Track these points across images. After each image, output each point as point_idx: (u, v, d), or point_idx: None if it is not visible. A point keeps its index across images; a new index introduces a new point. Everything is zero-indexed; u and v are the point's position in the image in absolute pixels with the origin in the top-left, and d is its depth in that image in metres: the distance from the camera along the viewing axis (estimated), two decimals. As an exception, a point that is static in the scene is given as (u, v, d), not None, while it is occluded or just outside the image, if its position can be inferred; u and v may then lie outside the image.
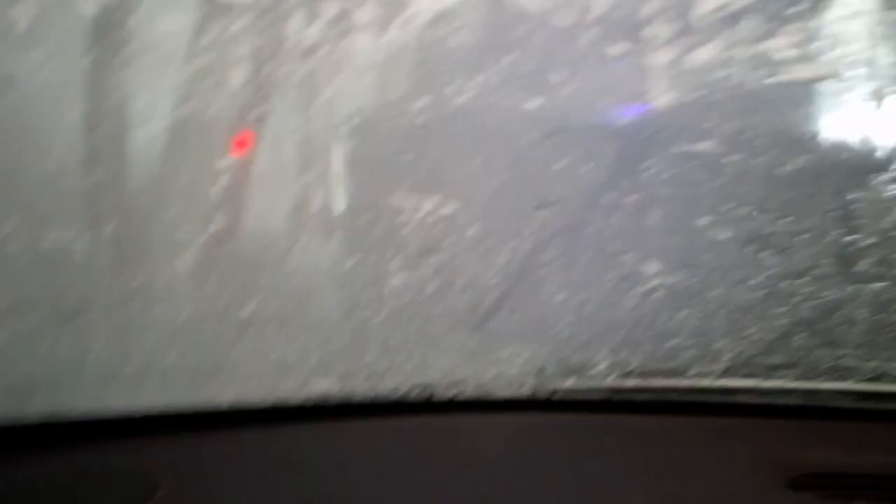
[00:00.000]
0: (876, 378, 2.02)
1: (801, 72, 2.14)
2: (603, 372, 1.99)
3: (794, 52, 2.11)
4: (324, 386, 1.88)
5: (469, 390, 1.93)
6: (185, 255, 1.89)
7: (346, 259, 1.95)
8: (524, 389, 1.95)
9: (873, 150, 2.14)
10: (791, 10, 2.11)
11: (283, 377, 1.88)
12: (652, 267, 2.04)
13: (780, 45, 2.12)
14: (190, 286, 1.90)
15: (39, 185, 1.87)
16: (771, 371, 2.02)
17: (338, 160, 1.99)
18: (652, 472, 1.77)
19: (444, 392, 1.92)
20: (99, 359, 1.83)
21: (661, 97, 2.08)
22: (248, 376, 1.88)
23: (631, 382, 2.00)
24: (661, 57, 2.07)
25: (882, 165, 2.11)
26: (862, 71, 2.14)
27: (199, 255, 1.90)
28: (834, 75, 2.17)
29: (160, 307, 1.88)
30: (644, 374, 2.00)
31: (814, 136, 2.15)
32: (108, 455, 1.72)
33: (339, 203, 1.98)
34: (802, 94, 2.14)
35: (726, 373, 2.01)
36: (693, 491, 1.74)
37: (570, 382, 1.98)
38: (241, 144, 2.01)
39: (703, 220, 2.06)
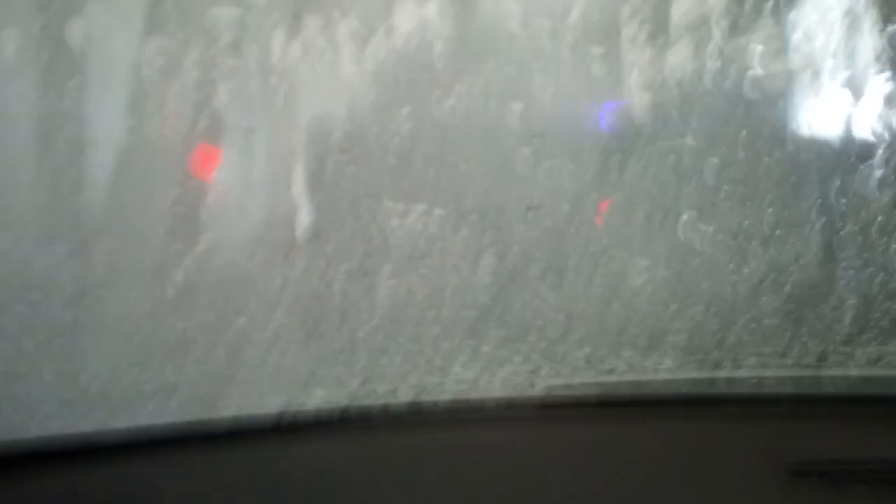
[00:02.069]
0: (871, 363, 2.04)
1: (776, 65, 2.17)
2: (595, 371, 2.01)
3: (767, 47, 2.14)
4: (318, 396, 1.90)
5: (462, 394, 1.95)
6: (172, 273, 1.91)
7: (336, 268, 1.97)
8: (517, 392, 1.97)
9: (853, 139, 2.17)
10: (763, 6, 2.15)
11: (277, 390, 1.90)
12: (640, 263, 2.06)
13: (754, 40, 2.16)
14: (180, 303, 1.91)
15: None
16: (764, 361, 2.04)
17: (323, 171, 2.01)
18: (652, 467, 1.79)
19: (437, 397, 1.94)
20: (95, 379, 1.85)
21: (640, 97, 2.10)
22: (243, 391, 1.90)
23: (624, 380, 2.03)
24: (638, 57, 2.09)
25: (864, 154, 2.15)
26: (838, 61, 2.17)
27: (188, 272, 1.91)
28: (809, 68, 2.20)
29: (152, 327, 1.90)
30: (637, 370, 2.02)
31: (794, 127, 2.17)
32: (113, 470, 1.74)
33: (326, 214, 1.99)
34: (780, 87, 2.17)
35: (719, 365, 2.03)
36: (695, 482, 1.76)
37: (563, 383, 2.00)
38: (207, 161, 2.04)
39: (688, 215, 2.09)
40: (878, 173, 2.13)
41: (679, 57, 2.09)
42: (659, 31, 2.10)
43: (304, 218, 1.96)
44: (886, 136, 2.15)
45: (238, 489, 1.76)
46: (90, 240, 1.92)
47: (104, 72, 1.94)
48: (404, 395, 1.92)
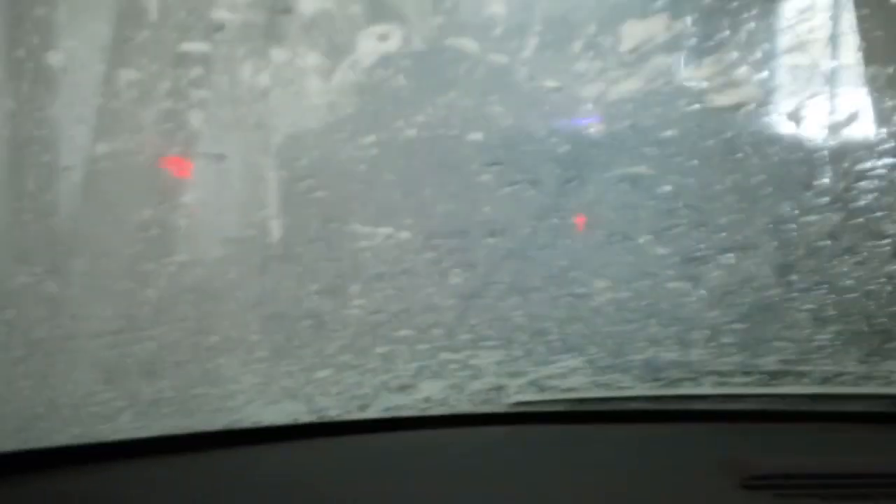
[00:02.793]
0: (823, 381, 2.10)
1: (722, 99, 2.27)
2: (561, 385, 2.06)
3: (713, 82, 2.25)
4: (291, 409, 1.93)
5: (432, 408, 1.98)
6: (145, 292, 1.94)
7: (306, 286, 2.01)
8: (486, 405, 2.01)
9: (800, 165, 2.26)
10: (707, 44, 2.25)
11: (249, 405, 1.92)
12: (599, 284, 2.12)
13: (700, 75, 2.26)
14: (153, 321, 1.94)
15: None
16: (722, 378, 2.10)
17: (292, 196, 2.06)
18: (611, 480, 1.83)
19: (408, 410, 1.97)
20: (69, 394, 1.86)
21: (594, 126, 2.18)
22: (215, 406, 1.92)
23: (586, 397, 2.07)
24: (591, 89, 2.18)
25: (810, 179, 2.24)
26: (785, 91, 2.27)
27: (160, 291, 1.94)
28: (753, 101, 2.30)
29: (124, 344, 1.92)
30: (600, 385, 2.07)
31: (743, 155, 2.25)
32: (84, 482, 1.74)
33: (296, 236, 2.04)
34: (730, 118, 2.26)
35: (678, 382, 2.09)
36: (653, 495, 1.79)
37: (530, 396, 2.04)
38: (178, 185, 2.09)
39: (644, 238, 2.16)
40: (825, 199, 2.23)
41: (631, 88, 2.18)
42: (611, 63, 2.19)
43: (274, 239, 2.01)
44: (831, 162, 2.25)
45: (208, 501, 1.77)
46: (64, 260, 1.95)
47: (78, 102, 2.00)
48: (373, 411, 1.95)
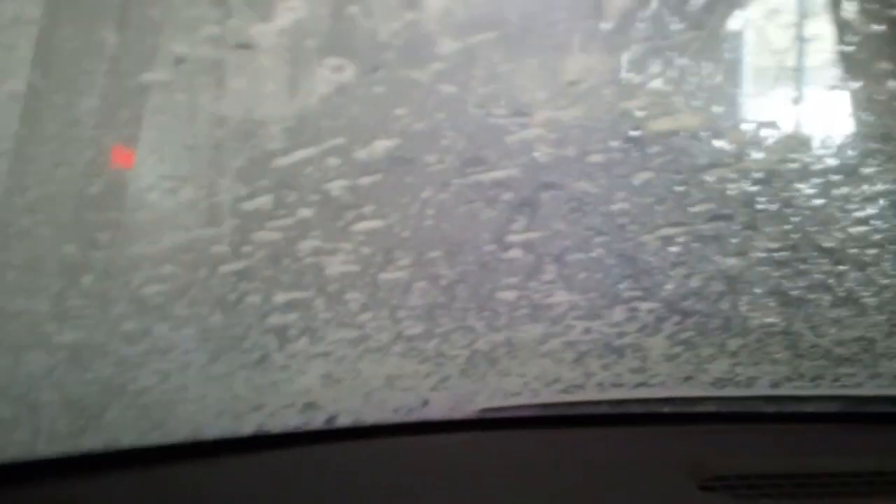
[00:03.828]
0: (775, 385, 2.18)
1: (663, 124, 2.39)
2: (528, 391, 2.10)
3: (658, 103, 2.37)
4: (257, 420, 1.94)
5: (402, 415, 2.00)
6: (107, 304, 1.95)
7: (271, 301, 2.03)
8: (456, 411, 2.03)
9: (746, 179, 2.38)
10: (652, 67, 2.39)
11: (220, 415, 1.92)
12: (559, 296, 2.18)
13: (642, 103, 2.38)
14: (111, 333, 1.93)
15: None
16: (682, 382, 2.16)
17: (254, 213, 2.08)
18: (575, 482, 1.87)
19: (379, 418, 1.98)
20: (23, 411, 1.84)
21: (542, 150, 2.27)
22: (181, 416, 1.91)
23: (552, 401, 2.11)
24: (539, 116, 2.27)
25: (755, 192, 2.36)
26: (725, 112, 2.41)
27: (124, 305, 1.95)
28: (694, 127, 2.42)
29: (78, 356, 1.91)
30: (565, 390, 2.11)
31: (688, 173, 2.35)
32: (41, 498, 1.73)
33: (258, 251, 2.05)
34: (670, 143, 2.37)
35: (641, 385, 2.14)
36: (611, 497, 1.83)
37: (496, 405, 2.07)
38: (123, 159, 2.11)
39: (596, 252, 2.24)
40: (774, 207, 2.34)
41: (578, 113, 2.29)
42: (558, 91, 2.30)
43: (237, 254, 2.02)
44: (773, 175, 2.37)
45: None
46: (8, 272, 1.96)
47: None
48: (344, 419, 1.96)
